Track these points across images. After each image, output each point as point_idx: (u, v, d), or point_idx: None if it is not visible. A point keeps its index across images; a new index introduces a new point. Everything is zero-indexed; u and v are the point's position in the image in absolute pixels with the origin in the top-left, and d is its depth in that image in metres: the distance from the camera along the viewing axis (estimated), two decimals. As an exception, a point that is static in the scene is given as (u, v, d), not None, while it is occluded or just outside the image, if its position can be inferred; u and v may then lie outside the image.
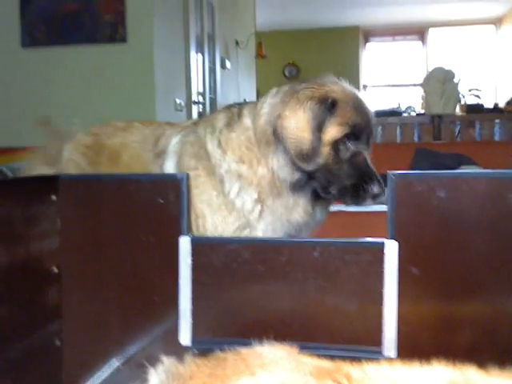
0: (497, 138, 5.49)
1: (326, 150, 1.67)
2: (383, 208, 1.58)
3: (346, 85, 1.76)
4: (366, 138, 1.66)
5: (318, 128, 1.67)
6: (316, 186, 1.71)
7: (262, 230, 1.78)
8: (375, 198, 1.67)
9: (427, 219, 1.52)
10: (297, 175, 1.70)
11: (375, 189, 1.65)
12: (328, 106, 1.68)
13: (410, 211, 1.52)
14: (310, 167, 1.68)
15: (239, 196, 1.78)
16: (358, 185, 1.66)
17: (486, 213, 1.49)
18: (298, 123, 1.68)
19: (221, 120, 1.88)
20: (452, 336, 1.48)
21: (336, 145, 1.66)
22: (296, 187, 1.70)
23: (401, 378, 1.26)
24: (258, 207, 1.78)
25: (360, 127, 1.65)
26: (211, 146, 1.84)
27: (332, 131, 1.67)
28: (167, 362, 1.37)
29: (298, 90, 1.74)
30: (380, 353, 1.49)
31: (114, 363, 1.60)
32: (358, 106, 1.69)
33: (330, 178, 1.70)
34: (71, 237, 1.71)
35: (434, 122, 5.83)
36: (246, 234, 1.79)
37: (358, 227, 3.38)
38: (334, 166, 1.66)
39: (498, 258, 1.48)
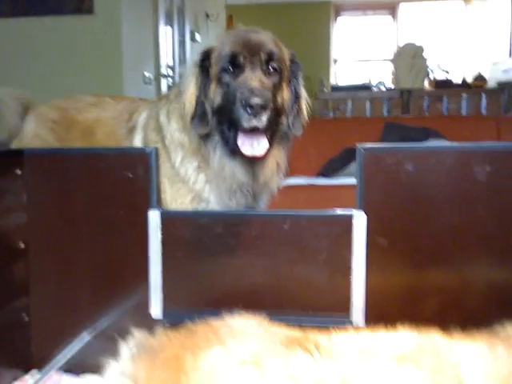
0: (464, 112, 5.58)
1: (218, 97, 1.64)
2: (352, 181, 1.60)
3: (236, 30, 1.73)
4: (248, 58, 1.61)
5: (202, 87, 1.66)
6: (225, 134, 1.65)
7: (213, 201, 1.78)
8: (255, 113, 1.50)
9: (395, 191, 1.54)
10: (205, 136, 1.69)
11: (252, 100, 1.49)
12: (203, 59, 1.68)
13: (378, 184, 1.55)
14: (204, 129, 1.66)
15: (183, 165, 1.77)
16: (239, 105, 1.53)
17: (452, 185, 1.52)
18: (187, 95, 1.69)
19: (173, 93, 1.89)
20: (418, 303, 1.52)
21: (220, 81, 1.62)
22: (211, 145, 1.69)
23: (367, 345, 1.29)
24: (202, 177, 1.77)
25: (234, 53, 1.60)
26: (162, 117, 1.85)
27: (212, 73, 1.66)
28: (138, 335, 1.37)
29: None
30: (348, 321, 1.53)
31: (85, 337, 1.60)
32: (230, 39, 1.65)
33: (227, 117, 1.61)
34: (38, 212, 1.69)
35: (403, 96, 5.88)
36: (202, 207, 1.78)
37: (327, 201, 3.41)
38: (226, 102, 1.61)
39: (464, 229, 1.52)
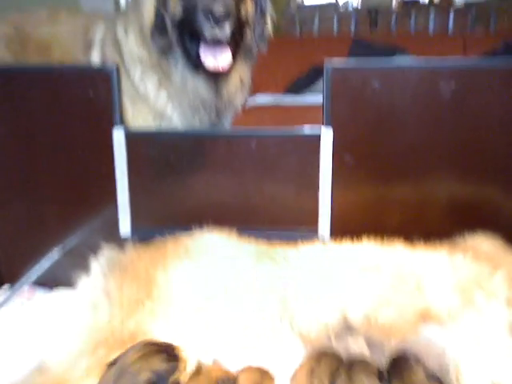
0: (431, 30, 5.53)
1: (178, 8, 1.57)
2: (320, 99, 1.58)
3: None
4: None
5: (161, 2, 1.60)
6: (187, 47, 1.60)
7: (176, 119, 1.75)
8: (217, 21, 1.46)
9: (362, 109, 1.54)
10: (165, 50, 1.64)
11: (214, 8, 1.44)
12: None
13: (345, 101, 1.54)
14: (164, 41, 1.62)
15: (142, 81, 1.72)
16: (201, 14, 1.48)
17: (418, 102, 1.52)
18: (146, 6, 1.64)
19: (131, 7, 1.81)
20: (383, 217, 1.56)
21: None
22: (172, 60, 1.64)
23: (333, 255, 1.34)
24: (163, 93, 1.72)
25: None
26: (120, 31, 1.78)
27: None
28: (108, 250, 1.38)
29: None
30: (315, 235, 1.57)
31: (55, 254, 1.60)
32: None
33: (188, 29, 1.58)
34: (-1, 132, 1.63)
35: (371, 15, 5.76)
36: (165, 125, 1.75)
37: (294, 119, 3.38)
38: (186, 13, 1.55)
39: (428, 145, 1.54)
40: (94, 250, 1.37)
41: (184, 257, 1.34)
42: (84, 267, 1.33)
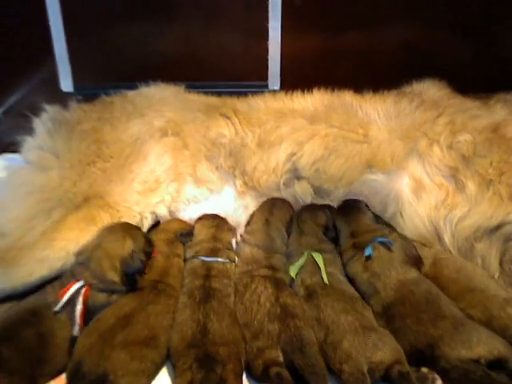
0: None
1: None
2: None
3: None
4: None
5: None
6: None
7: None
8: None
9: None
10: None
11: None
12: None
13: None
14: None
15: None
16: None
17: None
18: None
19: None
20: (333, 67, 1.53)
21: None
22: None
23: (283, 107, 1.32)
24: None
25: None
26: None
27: None
28: (51, 109, 1.31)
29: None
30: (265, 87, 1.54)
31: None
32: None
33: None
34: None
35: None
36: None
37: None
38: None
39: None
40: (36, 110, 1.29)
41: (133, 114, 1.30)
42: (27, 129, 1.26)
